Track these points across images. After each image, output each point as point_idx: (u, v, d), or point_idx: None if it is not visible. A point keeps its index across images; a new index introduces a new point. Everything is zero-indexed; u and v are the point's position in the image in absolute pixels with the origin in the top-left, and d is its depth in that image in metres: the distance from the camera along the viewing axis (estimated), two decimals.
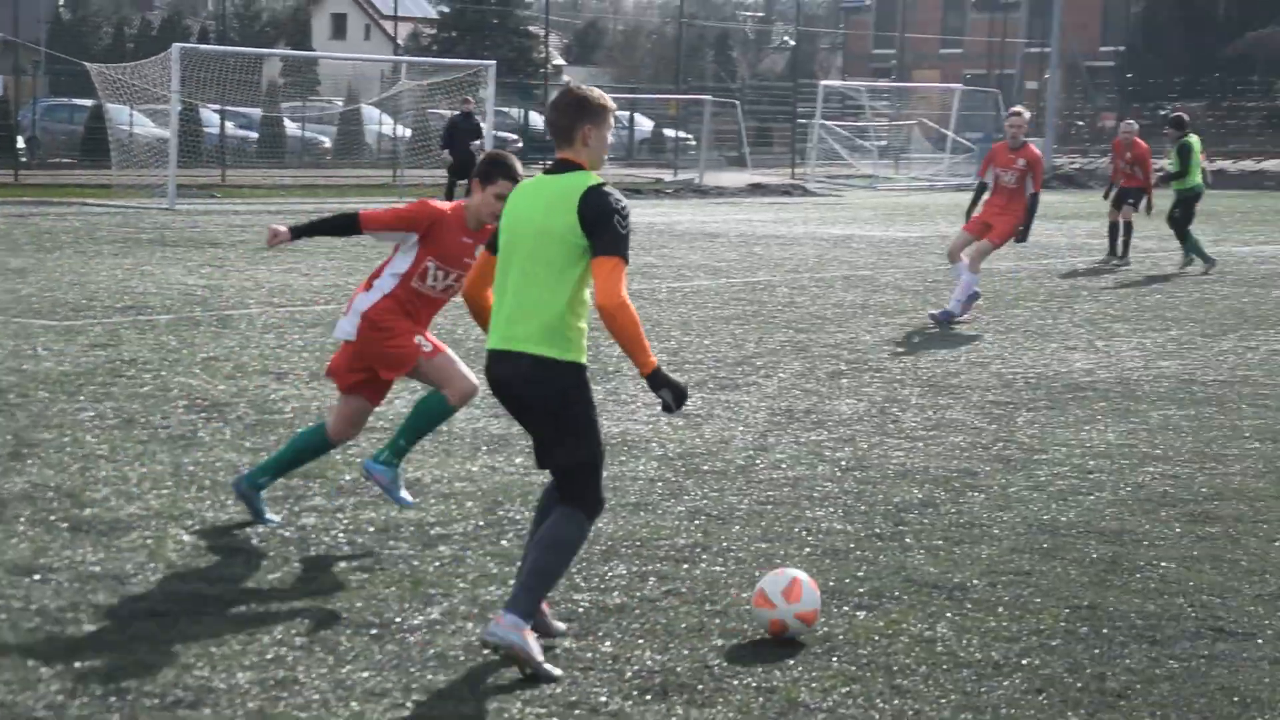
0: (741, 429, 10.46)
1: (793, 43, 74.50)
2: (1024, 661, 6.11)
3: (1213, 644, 6.33)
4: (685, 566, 7.27)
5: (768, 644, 6.20)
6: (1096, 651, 6.23)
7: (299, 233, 7.80)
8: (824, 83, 58.13)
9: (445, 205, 7.82)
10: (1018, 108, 17.94)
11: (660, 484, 8.85)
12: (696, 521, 8.06)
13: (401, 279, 7.70)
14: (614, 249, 5.87)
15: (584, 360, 6.04)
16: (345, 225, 7.79)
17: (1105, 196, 24.84)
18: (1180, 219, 22.95)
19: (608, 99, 6.13)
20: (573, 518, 6.02)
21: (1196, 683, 5.91)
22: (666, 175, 49.24)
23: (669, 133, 58.64)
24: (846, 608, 6.70)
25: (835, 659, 6.08)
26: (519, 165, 7.46)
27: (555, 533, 5.98)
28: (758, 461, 9.50)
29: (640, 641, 6.24)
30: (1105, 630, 6.48)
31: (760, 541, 7.72)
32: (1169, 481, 9.13)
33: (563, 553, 5.99)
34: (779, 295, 18.25)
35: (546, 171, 6.14)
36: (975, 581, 7.12)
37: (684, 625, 6.44)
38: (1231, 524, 8.16)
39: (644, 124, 61.69)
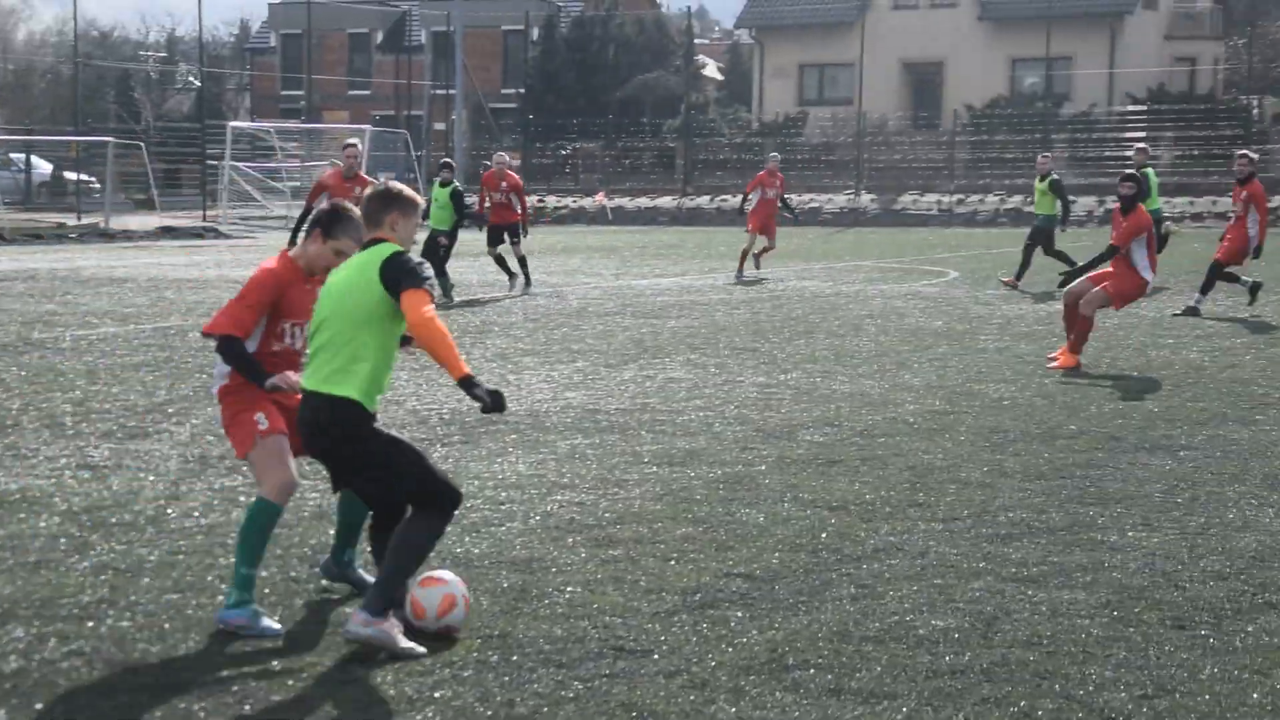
0: (153, 478, 10.15)
1: (198, 83, 73.10)
2: (436, 694, 6.18)
3: (614, 663, 6.57)
4: (90, 624, 6.99)
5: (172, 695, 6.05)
6: (506, 679, 6.36)
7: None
8: (232, 124, 57.40)
9: (273, 265, 7.35)
10: (353, 140, 19.01)
11: (64, 540, 8.48)
12: (103, 576, 7.77)
13: (259, 347, 7.25)
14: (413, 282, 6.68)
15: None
16: (237, 357, 7.23)
17: (481, 229, 25.96)
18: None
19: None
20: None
21: (599, 701, 6.11)
22: (70, 219, 47.34)
23: (70, 175, 56.46)
24: (261, 652, 6.62)
25: (248, 705, 5.99)
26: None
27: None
28: (169, 511, 9.25)
29: (38, 707, 5.97)
30: (515, 657, 6.62)
31: (172, 593, 7.51)
32: (575, 508, 9.42)
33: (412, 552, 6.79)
34: (191, 341, 17.83)
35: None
36: None
37: (87, 685, 6.20)
38: (632, 546, 8.50)
39: (43, 166, 59.20)
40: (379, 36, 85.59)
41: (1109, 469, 10.52)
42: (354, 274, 6.86)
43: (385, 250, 6.83)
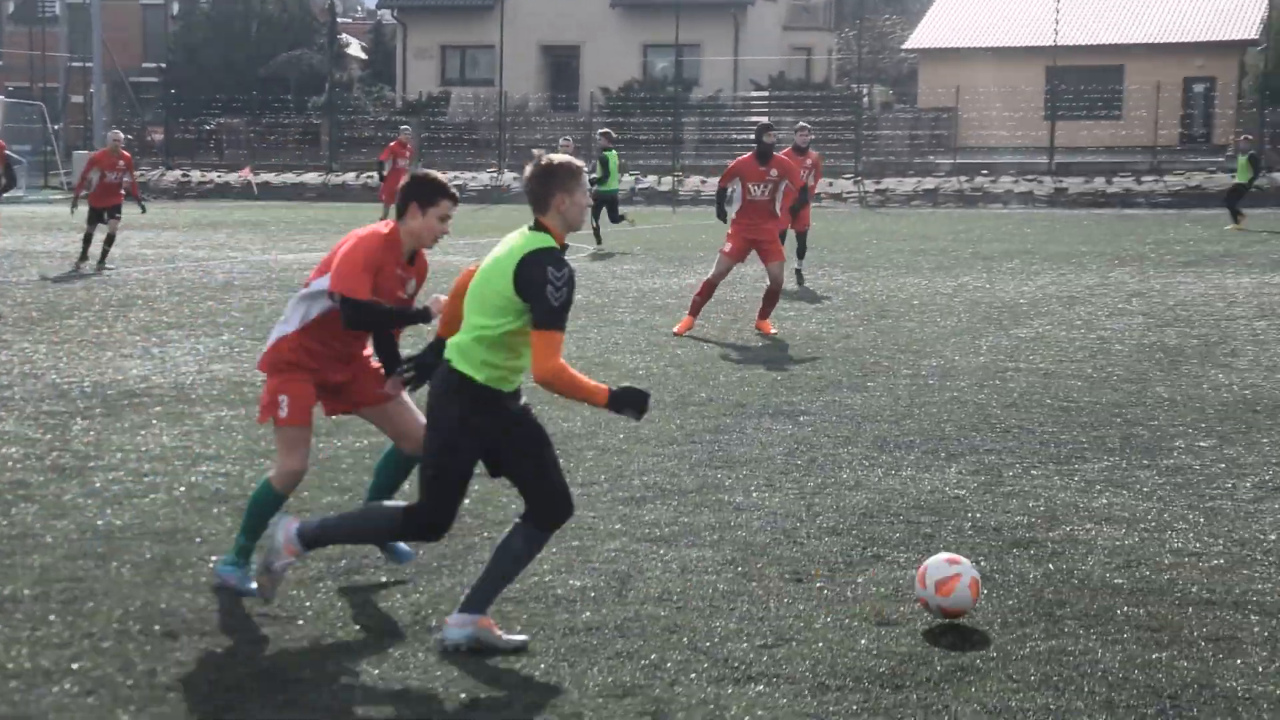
0: None
1: None
2: (75, 666, 5.99)
3: (259, 630, 6.49)
4: None
5: None
6: (149, 649, 6.20)
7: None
8: None
9: (382, 230, 6.82)
10: None
11: None
12: None
13: (323, 313, 6.84)
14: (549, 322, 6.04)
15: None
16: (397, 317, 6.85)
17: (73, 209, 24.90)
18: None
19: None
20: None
21: (242, 667, 6.02)
22: None
23: None
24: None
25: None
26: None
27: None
28: None
29: None
30: (157, 627, 6.46)
31: None
32: (221, 479, 9.23)
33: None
34: None
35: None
36: (26, 591, 6.89)
37: None
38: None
39: None
40: (10, 7, 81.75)
41: (735, 434, 10.82)
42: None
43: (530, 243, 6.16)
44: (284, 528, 6.47)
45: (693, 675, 5.99)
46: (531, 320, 6.07)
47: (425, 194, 6.86)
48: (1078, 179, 48.31)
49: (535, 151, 6.32)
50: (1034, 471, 9.67)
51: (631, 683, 5.90)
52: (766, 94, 59.36)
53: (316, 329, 6.98)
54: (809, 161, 22.08)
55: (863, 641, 6.42)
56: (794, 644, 6.36)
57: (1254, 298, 20.02)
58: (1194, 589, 7.17)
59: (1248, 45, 60.40)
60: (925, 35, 64.36)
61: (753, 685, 5.89)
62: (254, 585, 6.78)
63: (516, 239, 6.23)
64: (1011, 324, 17.22)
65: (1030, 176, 49.33)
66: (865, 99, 58.90)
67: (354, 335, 7.03)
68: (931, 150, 56.98)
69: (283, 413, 6.94)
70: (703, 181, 49.08)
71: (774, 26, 66.79)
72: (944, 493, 9.08)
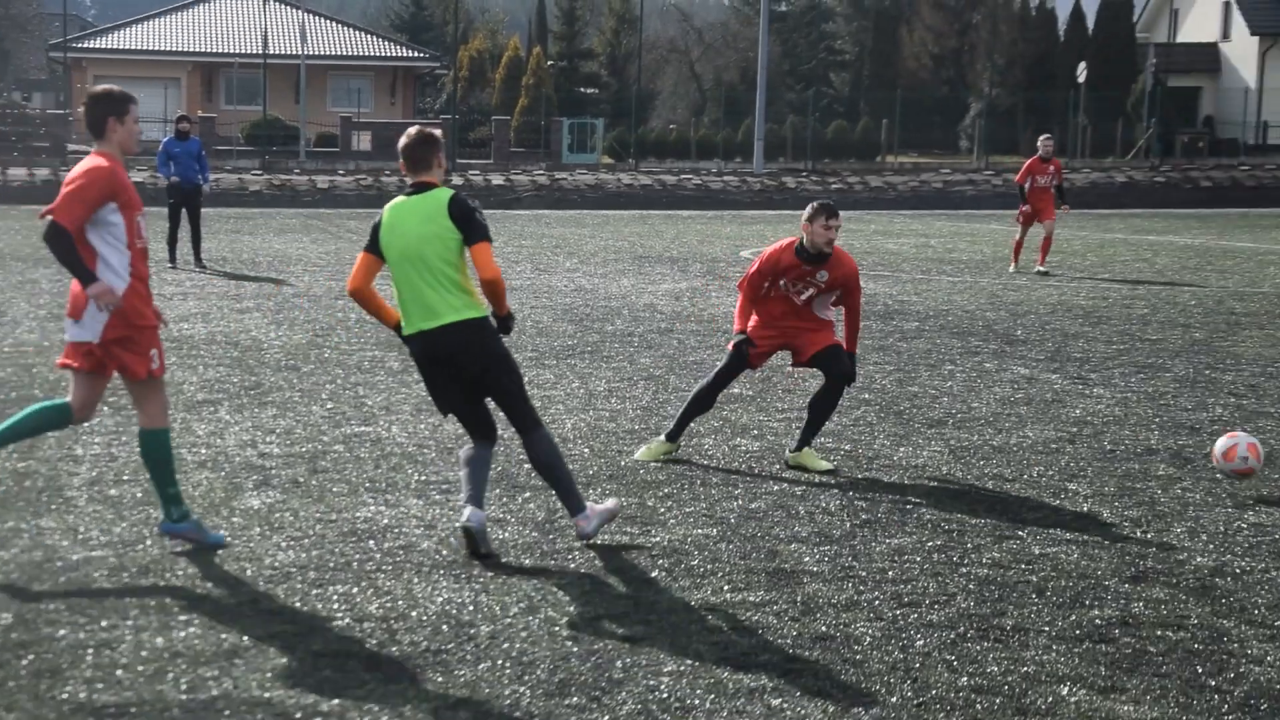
0: None
1: None
2: None
3: None
4: None
5: None
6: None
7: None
8: None
9: (102, 161, 7.04)
10: None
11: None
12: None
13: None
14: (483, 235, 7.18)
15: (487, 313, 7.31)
16: None
17: None
18: None
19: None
20: (544, 435, 7.37)
21: None
22: None
23: None
24: None
25: None
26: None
27: (548, 451, 7.33)
28: None
29: None
30: None
31: None
32: None
33: (561, 460, 7.38)
34: None
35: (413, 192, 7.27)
36: None
37: None
38: None
39: None
40: None
41: None
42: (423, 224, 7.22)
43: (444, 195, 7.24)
44: (587, 524, 7.42)
45: None
46: (470, 238, 7.14)
47: (117, 106, 7.09)
48: None
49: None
50: None
51: None
52: None
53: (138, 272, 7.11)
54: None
55: None
56: None
57: None
58: None
59: None
60: None
61: None
62: (219, 534, 7.35)
63: (420, 202, 7.19)
64: None
65: None
66: None
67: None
68: None
69: (155, 365, 7.10)
70: None
71: None
72: None
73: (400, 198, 7.31)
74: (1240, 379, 13.02)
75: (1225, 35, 70.55)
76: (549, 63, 72.73)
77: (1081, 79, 59.06)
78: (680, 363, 13.60)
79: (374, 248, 7.28)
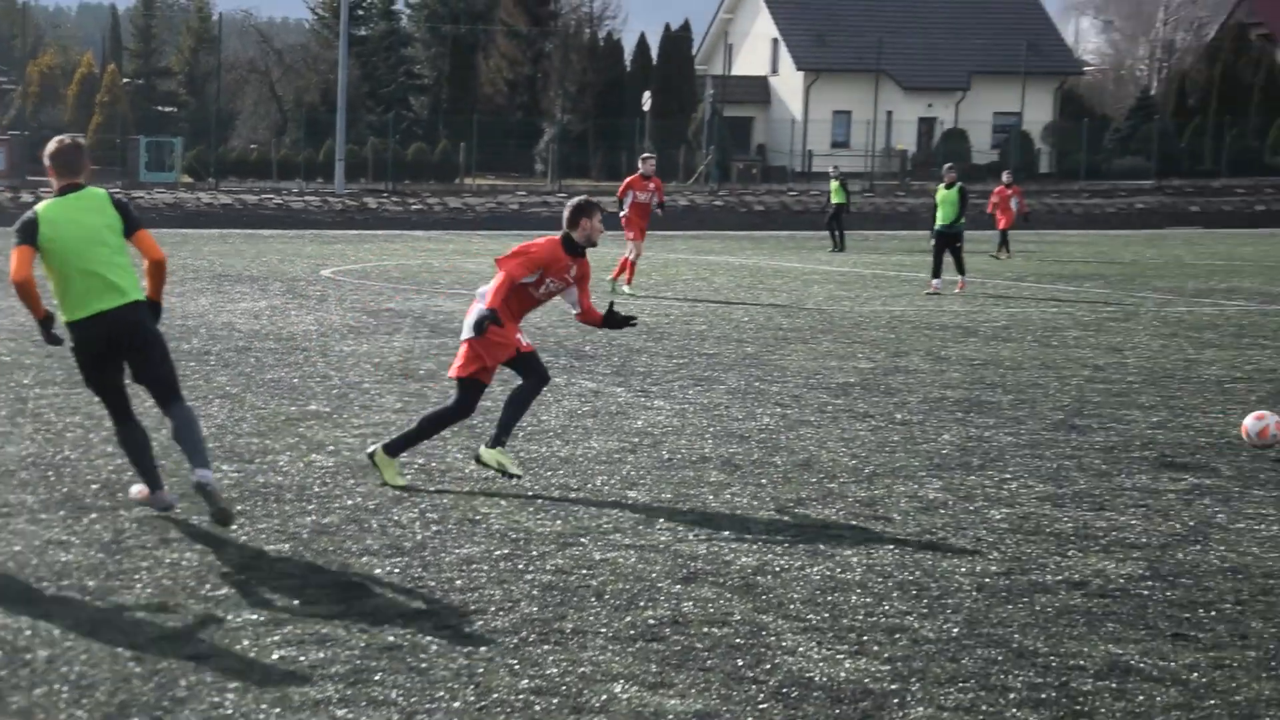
0: None
1: None
2: None
3: None
4: None
5: None
6: None
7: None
8: None
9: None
10: None
11: None
12: None
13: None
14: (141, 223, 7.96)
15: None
16: None
17: None
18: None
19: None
20: (186, 405, 7.98)
21: None
22: None
23: None
24: None
25: None
26: None
27: (190, 417, 7.97)
28: None
29: None
30: None
31: None
32: None
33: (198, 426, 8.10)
34: None
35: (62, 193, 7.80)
36: None
37: None
38: None
39: None
40: None
41: None
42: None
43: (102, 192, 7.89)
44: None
45: None
46: (132, 227, 7.84)
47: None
48: None
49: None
50: None
51: None
52: None
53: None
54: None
55: None
56: None
57: None
58: None
59: None
60: None
61: None
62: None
63: (79, 199, 7.74)
64: None
65: None
66: None
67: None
68: None
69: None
70: None
71: None
72: None
73: (51, 199, 7.80)
74: (785, 390, 13.71)
75: (774, 70, 74.29)
76: (125, 80, 70.16)
77: (647, 107, 61.12)
78: (257, 381, 13.37)
79: (31, 241, 7.64)
